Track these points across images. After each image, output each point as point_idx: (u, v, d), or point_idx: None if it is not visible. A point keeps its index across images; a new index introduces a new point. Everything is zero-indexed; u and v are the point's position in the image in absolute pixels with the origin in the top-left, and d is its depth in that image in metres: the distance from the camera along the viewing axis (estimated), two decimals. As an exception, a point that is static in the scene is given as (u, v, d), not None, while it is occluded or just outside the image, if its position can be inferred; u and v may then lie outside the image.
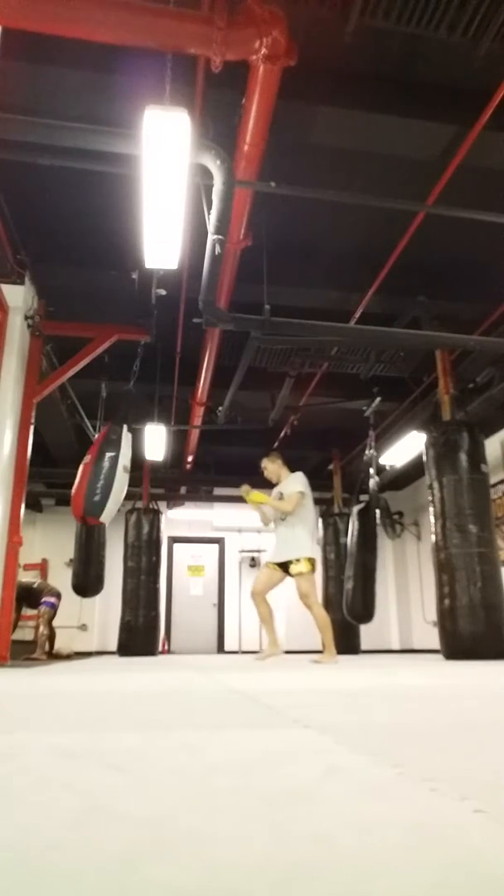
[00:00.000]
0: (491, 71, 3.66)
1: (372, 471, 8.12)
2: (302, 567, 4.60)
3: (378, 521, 8.20)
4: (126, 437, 5.93)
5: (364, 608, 7.95)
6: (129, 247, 4.80)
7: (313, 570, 4.68)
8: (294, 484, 4.84)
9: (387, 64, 3.92)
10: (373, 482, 8.06)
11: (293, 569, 4.64)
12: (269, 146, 3.72)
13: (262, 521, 5.02)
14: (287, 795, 0.68)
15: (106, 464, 5.77)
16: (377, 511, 8.11)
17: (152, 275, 5.21)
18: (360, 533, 7.98)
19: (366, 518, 8.02)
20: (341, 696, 2.02)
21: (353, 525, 8.12)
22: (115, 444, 5.88)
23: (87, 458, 5.86)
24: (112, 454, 5.82)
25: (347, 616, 8.23)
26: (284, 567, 4.72)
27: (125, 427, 6.03)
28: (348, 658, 7.03)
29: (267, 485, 5.13)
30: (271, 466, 5.08)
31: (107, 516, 5.88)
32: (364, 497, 8.13)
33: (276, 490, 4.99)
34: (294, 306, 5.59)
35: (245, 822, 0.59)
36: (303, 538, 4.72)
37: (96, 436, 6.06)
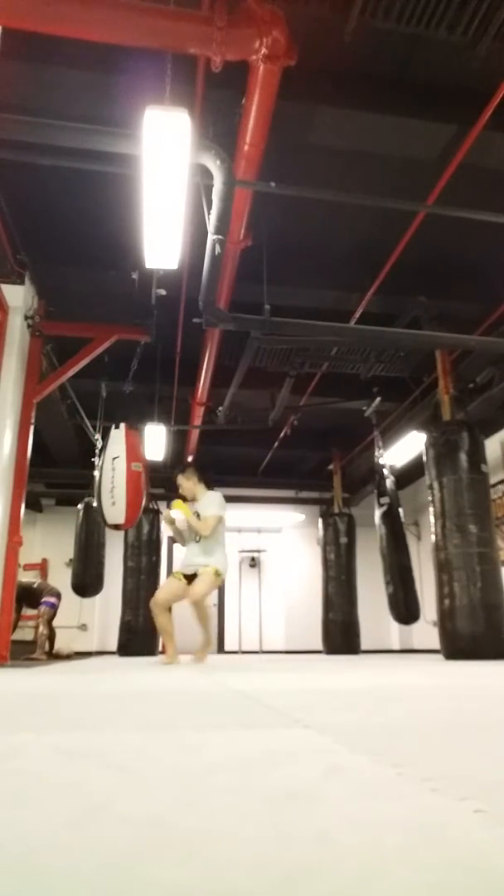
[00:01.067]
0: (491, 71, 3.66)
1: (386, 471, 8.09)
2: (210, 571, 4.49)
3: (402, 519, 8.13)
4: (114, 434, 6.00)
5: (408, 609, 7.90)
6: (129, 247, 4.80)
7: (217, 580, 4.58)
8: (212, 506, 4.69)
9: (387, 64, 3.92)
10: (389, 482, 8.03)
11: (200, 570, 4.52)
12: (269, 146, 3.72)
13: (177, 539, 4.88)
14: (287, 795, 0.68)
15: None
16: (401, 510, 8.06)
17: (152, 275, 5.21)
18: (389, 535, 7.93)
19: (390, 519, 7.98)
20: (341, 696, 2.02)
21: (380, 530, 8.06)
22: (101, 452, 5.96)
23: (140, 467, 5.88)
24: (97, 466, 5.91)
25: (394, 618, 8.19)
26: (191, 580, 4.56)
27: (113, 426, 6.07)
28: (348, 658, 7.03)
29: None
30: (186, 484, 4.88)
31: (112, 518, 5.95)
32: (384, 500, 8.07)
33: (194, 507, 4.80)
34: (294, 306, 5.60)
35: (245, 822, 0.59)
36: (216, 555, 4.62)
37: (123, 438, 5.99)
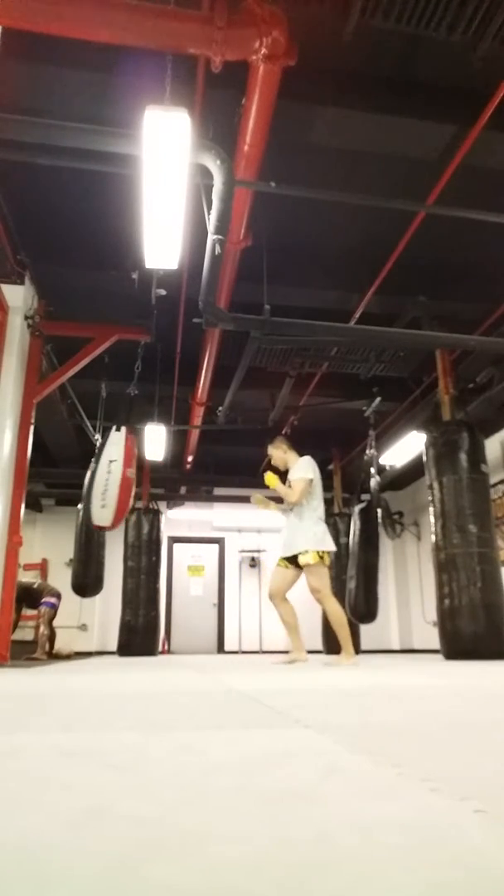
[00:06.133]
0: (491, 71, 3.66)
1: (373, 470, 8.12)
2: (309, 558, 4.31)
3: (379, 520, 8.19)
4: (114, 436, 5.98)
5: (367, 607, 7.96)
6: (129, 247, 4.80)
7: (324, 562, 4.36)
8: (299, 470, 4.52)
9: (387, 64, 3.92)
10: (374, 482, 8.07)
11: (301, 560, 4.36)
12: (269, 146, 3.72)
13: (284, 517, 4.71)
14: (287, 795, 0.68)
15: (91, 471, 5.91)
16: (378, 510, 8.11)
17: (152, 275, 5.21)
18: (362, 532, 7.98)
19: (367, 517, 8.02)
20: (341, 696, 2.01)
21: (354, 524, 8.12)
22: (99, 452, 5.98)
23: (133, 474, 6.08)
24: (93, 463, 5.93)
25: (350, 616, 8.23)
26: (295, 562, 4.44)
27: (114, 427, 6.08)
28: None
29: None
30: (276, 453, 4.73)
31: (100, 519, 5.93)
32: (365, 497, 8.14)
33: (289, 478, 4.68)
34: (294, 306, 5.59)
35: (245, 822, 0.59)
36: (310, 528, 4.41)
37: (123, 443, 6.08)
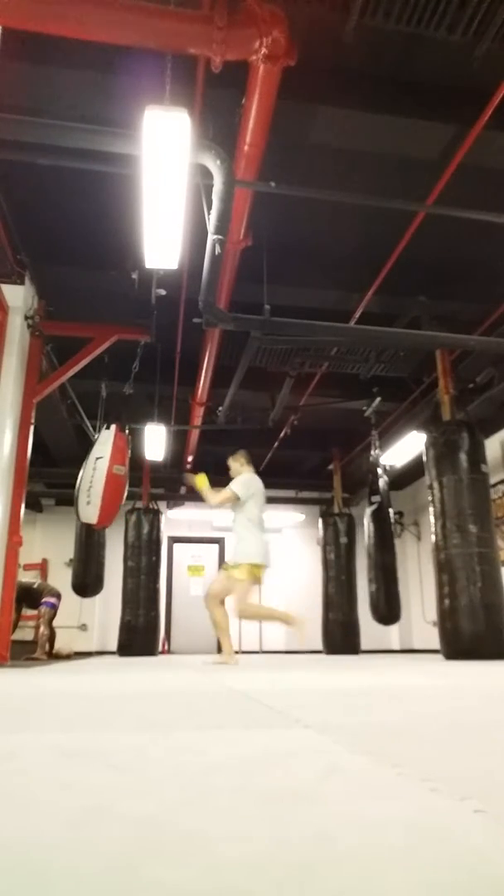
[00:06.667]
0: (491, 71, 3.65)
1: (380, 471, 8.12)
2: (242, 573, 4.49)
3: (392, 520, 8.21)
4: (104, 434, 6.01)
5: (389, 608, 7.98)
6: (129, 247, 4.79)
7: (252, 579, 4.51)
8: (234, 483, 4.78)
9: (387, 64, 3.92)
10: (382, 482, 8.07)
11: (233, 571, 4.57)
12: (269, 146, 3.72)
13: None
14: (287, 795, 0.68)
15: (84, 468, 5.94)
16: (391, 510, 8.12)
17: (152, 275, 5.21)
18: (377, 534, 7.99)
19: (380, 519, 8.02)
20: (341, 696, 2.02)
21: (368, 527, 8.12)
22: (89, 450, 6.01)
23: (122, 471, 6.13)
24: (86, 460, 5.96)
25: (373, 618, 8.25)
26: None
27: (105, 426, 6.10)
28: (348, 658, 7.03)
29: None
30: (234, 466, 4.98)
31: (86, 517, 5.93)
32: (375, 498, 8.13)
33: None
34: (294, 306, 5.59)
35: (245, 822, 0.59)
36: (248, 542, 4.62)
37: (111, 440, 6.12)
